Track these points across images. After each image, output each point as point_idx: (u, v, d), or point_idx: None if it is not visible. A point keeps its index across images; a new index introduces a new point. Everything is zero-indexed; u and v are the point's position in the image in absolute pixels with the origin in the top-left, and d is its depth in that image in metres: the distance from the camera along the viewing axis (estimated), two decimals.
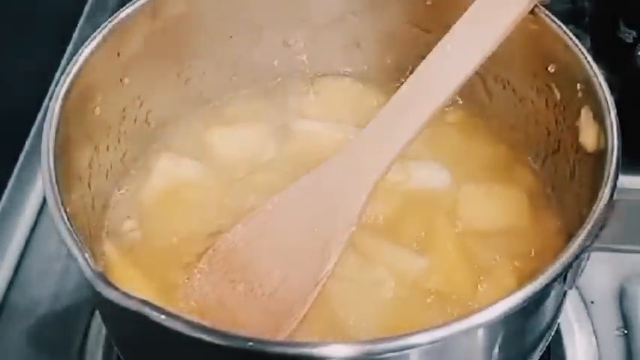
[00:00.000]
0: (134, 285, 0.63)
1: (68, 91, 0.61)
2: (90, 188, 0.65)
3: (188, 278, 0.64)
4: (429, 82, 0.66)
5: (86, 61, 0.63)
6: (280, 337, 0.59)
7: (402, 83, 0.67)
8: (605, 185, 0.55)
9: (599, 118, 0.60)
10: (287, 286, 0.62)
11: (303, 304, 0.61)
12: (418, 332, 0.49)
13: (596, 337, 0.71)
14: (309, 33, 0.77)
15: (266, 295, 0.62)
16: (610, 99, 0.60)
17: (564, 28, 0.65)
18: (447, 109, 0.73)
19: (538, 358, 0.62)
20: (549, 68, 0.66)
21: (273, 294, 0.62)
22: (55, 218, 0.54)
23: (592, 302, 0.73)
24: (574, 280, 0.56)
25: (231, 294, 0.62)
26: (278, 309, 0.61)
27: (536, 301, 0.52)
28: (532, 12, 0.66)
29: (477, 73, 0.67)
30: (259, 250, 0.64)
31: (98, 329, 0.72)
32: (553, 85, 0.66)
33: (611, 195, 0.55)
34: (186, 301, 0.63)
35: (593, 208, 0.54)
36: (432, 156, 0.71)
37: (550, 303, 0.58)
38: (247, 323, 0.61)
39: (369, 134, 0.67)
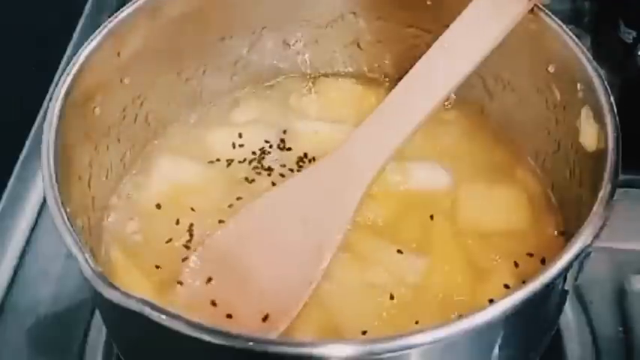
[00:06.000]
0: (134, 285, 0.63)
1: (68, 91, 0.61)
2: (90, 188, 0.65)
3: (181, 276, 0.64)
4: (425, 82, 0.66)
5: (86, 61, 0.63)
6: (273, 336, 0.58)
7: None
8: (605, 185, 0.55)
9: (599, 118, 0.60)
10: (280, 284, 0.62)
11: (296, 303, 0.60)
12: (418, 332, 0.49)
13: (595, 337, 0.71)
14: (309, 33, 0.78)
15: (259, 293, 0.61)
16: (610, 99, 0.60)
17: (564, 28, 0.65)
18: (446, 109, 0.73)
19: (538, 358, 0.62)
20: (549, 68, 0.66)
21: (266, 292, 0.61)
22: (55, 218, 0.54)
23: (592, 302, 0.73)
24: (574, 280, 0.56)
25: (224, 292, 0.62)
26: (271, 307, 0.60)
27: (537, 301, 0.52)
28: (532, 12, 0.66)
29: (476, 73, 0.68)
30: (253, 248, 0.64)
31: (98, 329, 0.72)
32: (553, 85, 0.66)
33: (611, 195, 0.55)
34: (179, 299, 0.62)
35: (593, 208, 0.54)
36: (432, 156, 0.71)
37: (550, 303, 0.58)
38: (240, 321, 0.60)
39: (364, 133, 0.67)
